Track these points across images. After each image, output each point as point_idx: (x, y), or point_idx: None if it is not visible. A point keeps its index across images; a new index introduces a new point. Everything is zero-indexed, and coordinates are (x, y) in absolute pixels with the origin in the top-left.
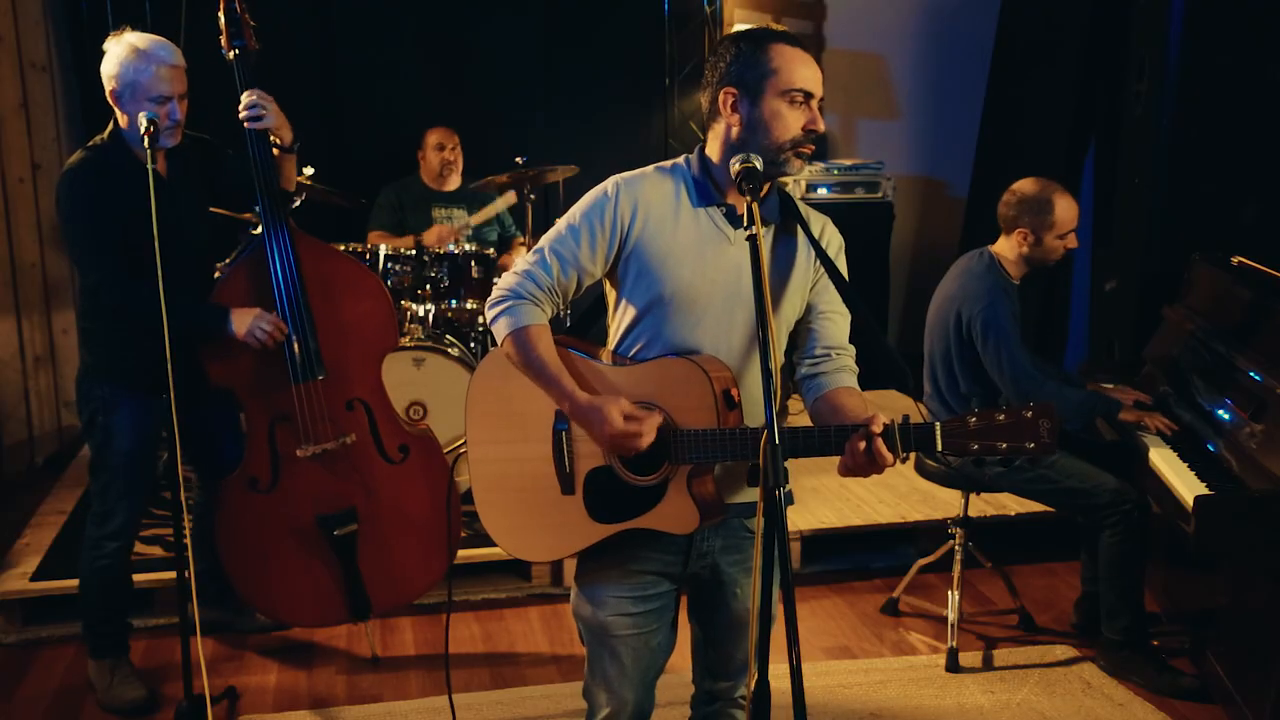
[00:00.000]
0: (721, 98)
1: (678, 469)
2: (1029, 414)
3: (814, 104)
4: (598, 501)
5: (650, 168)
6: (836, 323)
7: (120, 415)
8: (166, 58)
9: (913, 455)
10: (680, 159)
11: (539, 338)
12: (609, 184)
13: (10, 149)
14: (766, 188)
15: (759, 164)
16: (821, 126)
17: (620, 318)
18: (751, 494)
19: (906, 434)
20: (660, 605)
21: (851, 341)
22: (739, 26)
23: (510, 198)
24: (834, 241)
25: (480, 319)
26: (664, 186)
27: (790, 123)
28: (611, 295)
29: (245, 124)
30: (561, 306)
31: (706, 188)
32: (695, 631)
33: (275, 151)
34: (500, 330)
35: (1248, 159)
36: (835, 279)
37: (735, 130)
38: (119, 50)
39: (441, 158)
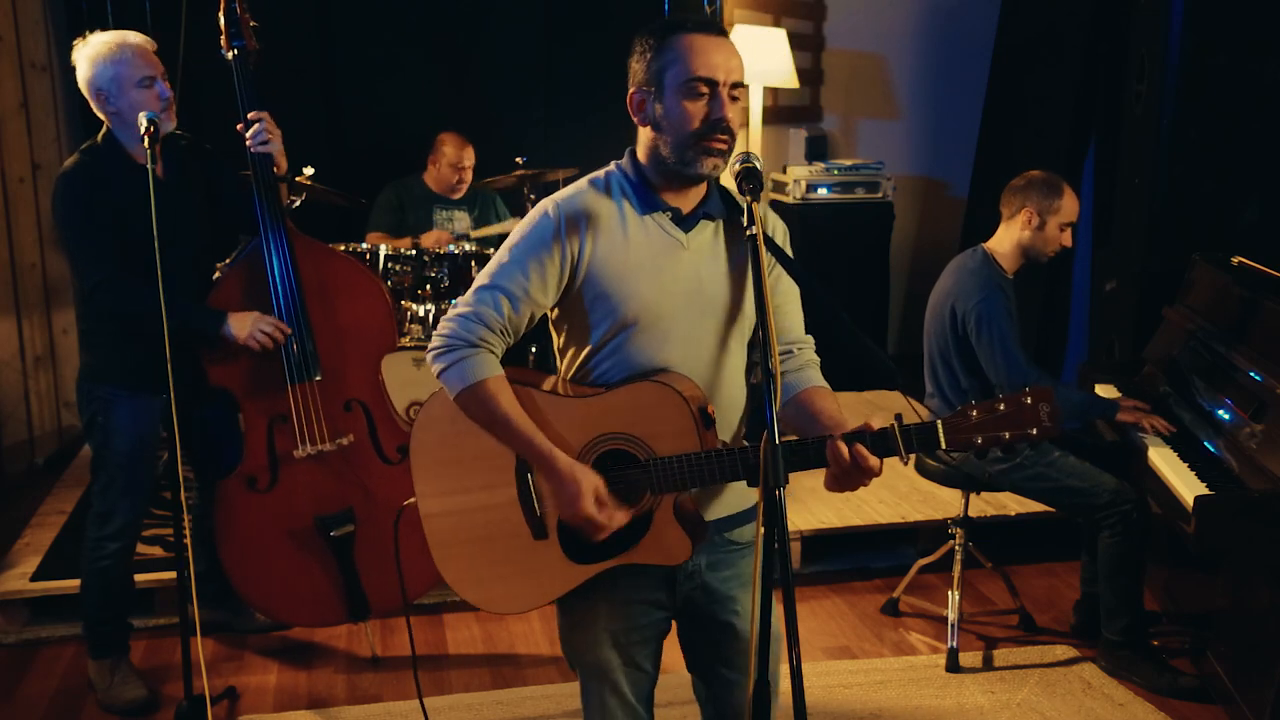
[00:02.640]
0: (630, 103)
1: (660, 499)
2: (1028, 399)
3: (724, 91)
4: (575, 543)
5: (583, 182)
6: (791, 314)
7: (119, 415)
8: (134, 41)
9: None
10: (611, 166)
11: (500, 392)
12: (548, 206)
13: (10, 149)
14: (705, 185)
15: (758, 163)
16: (726, 114)
17: (576, 345)
18: (729, 506)
19: (908, 435)
20: (654, 632)
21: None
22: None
23: (510, 223)
24: (779, 229)
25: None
26: (605, 200)
27: (691, 116)
28: (563, 323)
29: (250, 147)
30: (511, 344)
31: (647, 193)
32: (698, 684)
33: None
34: (452, 385)
35: (1248, 159)
36: (788, 266)
37: (648, 134)
38: (88, 51)
39: (459, 176)
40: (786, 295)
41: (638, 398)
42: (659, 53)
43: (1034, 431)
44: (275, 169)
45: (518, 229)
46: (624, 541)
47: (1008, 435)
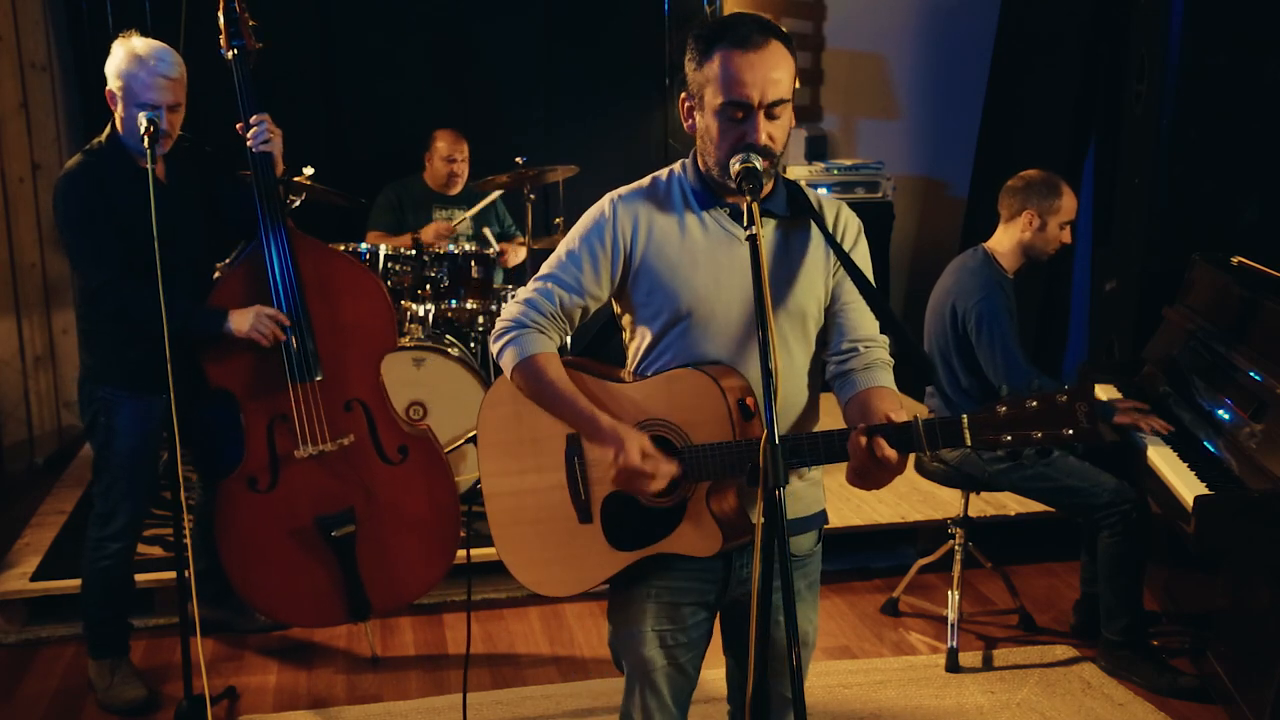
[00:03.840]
0: (680, 106)
1: (695, 487)
2: (1063, 398)
3: (760, 113)
4: (616, 528)
5: (646, 179)
6: (862, 311)
7: (121, 416)
8: (163, 69)
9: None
10: (676, 165)
11: (548, 364)
12: (605, 202)
13: (10, 149)
14: (771, 182)
15: (759, 163)
16: (759, 138)
17: (638, 339)
18: (786, 512)
19: (932, 430)
20: (699, 635)
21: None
22: None
23: (496, 194)
24: (851, 226)
25: (480, 319)
26: (663, 195)
27: (725, 139)
28: (626, 318)
29: (251, 147)
30: (568, 334)
31: (705, 189)
32: (731, 666)
33: None
34: (507, 362)
35: (1248, 159)
36: (851, 271)
37: (697, 139)
38: (120, 52)
39: (450, 169)
40: (856, 292)
41: (677, 384)
42: (701, 66)
43: (1069, 432)
44: (274, 169)
45: (580, 221)
46: (660, 529)
47: (1039, 435)
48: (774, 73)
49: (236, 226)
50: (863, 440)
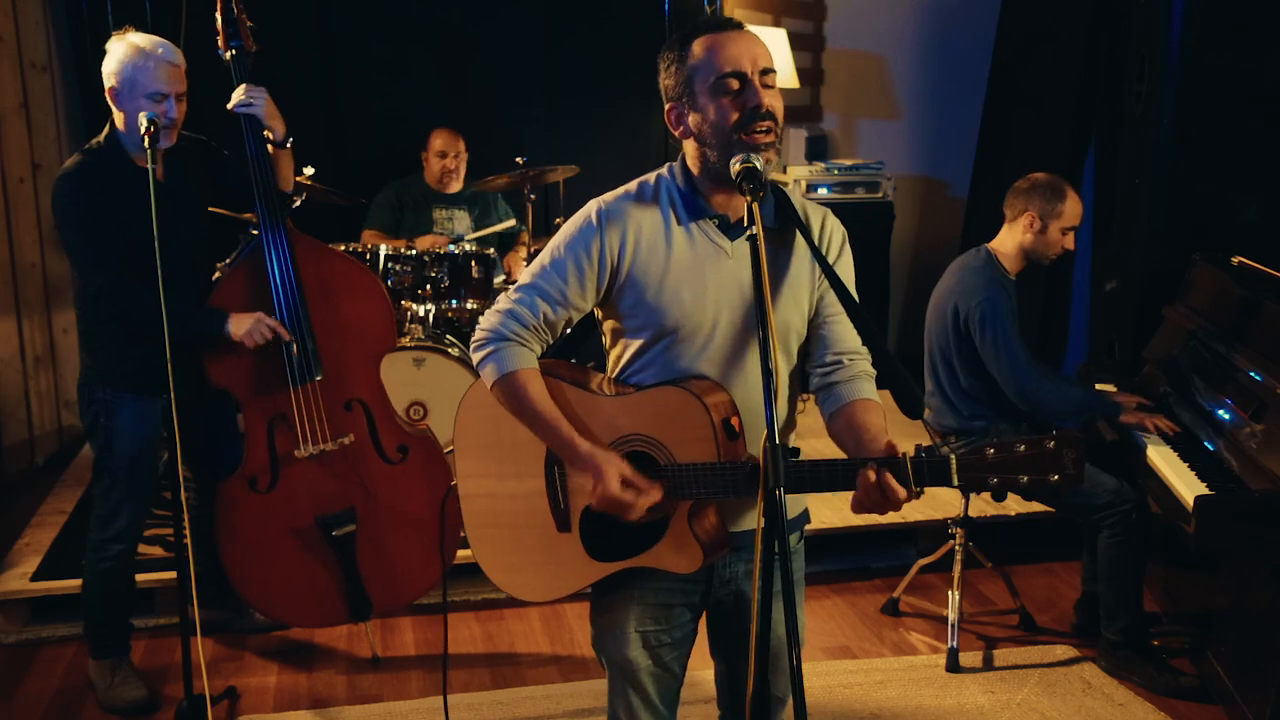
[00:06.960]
0: (668, 119)
1: (676, 505)
2: (1051, 444)
3: (755, 80)
4: (595, 539)
5: (632, 185)
6: (846, 324)
7: (122, 417)
8: (166, 56)
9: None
10: (663, 170)
11: (530, 382)
12: (591, 211)
13: (10, 149)
14: (762, 190)
15: (759, 163)
16: (762, 100)
17: (620, 350)
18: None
19: (920, 468)
20: (683, 635)
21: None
22: None
23: (510, 222)
24: (836, 235)
25: (480, 319)
26: (650, 205)
27: (728, 112)
28: (607, 325)
29: (238, 111)
30: (549, 343)
31: (694, 200)
32: (720, 667)
33: (269, 148)
34: (487, 376)
35: (1248, 159)
36: (835, 285)
37: (692, 145)
38: (120, 48)
39: (443, 166)
40: (841, 304)
41: (662, 401)
42: (682, 62)
43: (1054, 478)
44: (271, 135)
45: (564, 228)
46: (640, 543)
47: (1025, 479)
48: (758, 47)
49: (241, 202)
50: (872, 476)
